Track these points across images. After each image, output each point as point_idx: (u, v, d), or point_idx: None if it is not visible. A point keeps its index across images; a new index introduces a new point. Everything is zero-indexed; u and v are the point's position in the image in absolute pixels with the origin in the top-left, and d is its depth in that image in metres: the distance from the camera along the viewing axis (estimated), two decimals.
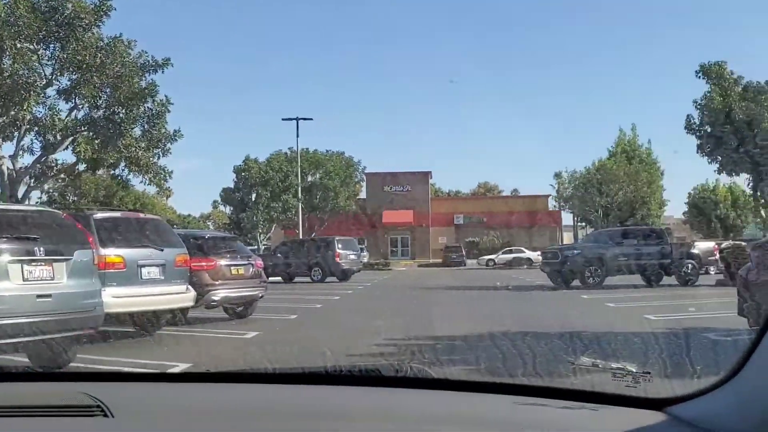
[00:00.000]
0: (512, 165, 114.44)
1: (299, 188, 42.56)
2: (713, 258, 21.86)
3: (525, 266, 46.41)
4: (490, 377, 2.26)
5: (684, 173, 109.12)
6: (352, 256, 29.75)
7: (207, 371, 2.27)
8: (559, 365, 2.84)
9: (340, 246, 28.92)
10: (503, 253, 52.06)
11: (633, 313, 12.95)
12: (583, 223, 74.80)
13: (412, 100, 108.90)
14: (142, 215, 12.24)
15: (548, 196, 64.84)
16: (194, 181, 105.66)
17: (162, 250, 10.05)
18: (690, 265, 21.17)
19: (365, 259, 54.07)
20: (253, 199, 41.94)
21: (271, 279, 30.68)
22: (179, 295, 10.26)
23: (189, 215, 73.20)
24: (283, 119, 42.75)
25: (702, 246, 22.23)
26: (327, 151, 49.66)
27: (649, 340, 7.47)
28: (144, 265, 9.73)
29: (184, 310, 10.75)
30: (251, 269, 13.07)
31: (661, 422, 1.51)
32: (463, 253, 53.88)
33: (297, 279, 28.85)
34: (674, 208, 64.96)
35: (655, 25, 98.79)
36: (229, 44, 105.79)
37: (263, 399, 1.89)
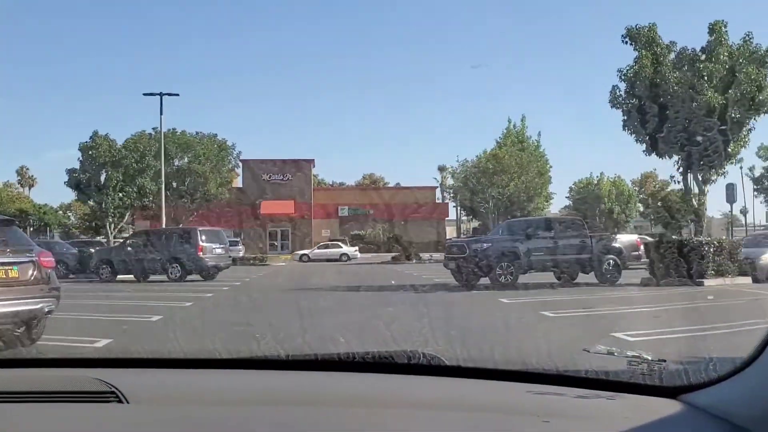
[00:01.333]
0: (398, 158, 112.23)
1: (163, 171, 36.87)
2: (636, 253, 19.15)
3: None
4: (503, 365, 2.05)
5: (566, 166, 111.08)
6: (219, 250, 24.90)
7: (221, 357, 2.26)
8: (574, 353, 2.22)
9: (203, 238, 24.04)
10: (318, 248, 49.87)
11: (596, 329, 9.52)
12: (470, 217, 73.45)
13: (294, 86, 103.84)
14: None
15: (435, 187, 62.59)
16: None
17: None
18: (611, 261, 18.37)
19: (241, 254, 49.18)
20: (103, 182, 35.69)
21: (121, 277, 26.07)
22: None
23: (46, 204, 64.84)
24: (144, 94, 36.95)
25: (624, 239, 19.50)
26: (197, 132, 44.08)
27: None
28: None
29: None
30: (31, 271, 8.35)
31: (678, 410, 1.52)
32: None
33: (154, 277, 23.79)
34: (555, 203, 64.64)
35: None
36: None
37: (277, 385, 1.92)
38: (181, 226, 35.07)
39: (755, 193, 63.38)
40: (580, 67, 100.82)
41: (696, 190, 18.50)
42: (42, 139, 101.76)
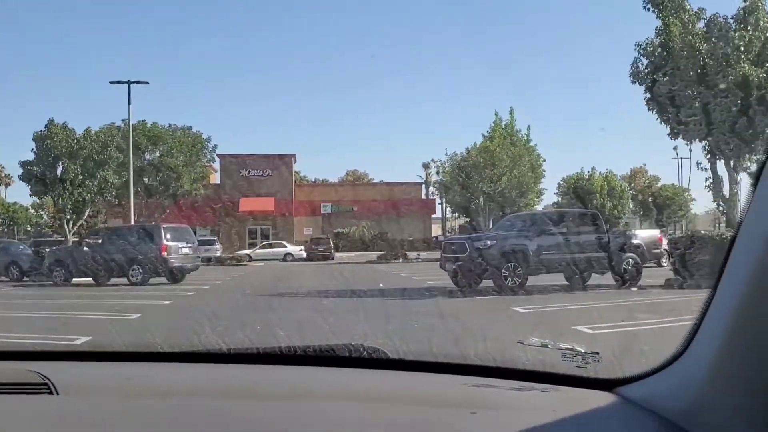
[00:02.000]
0: (382, 155, 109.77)
1: (130, 164, 34.10)
2: (657, 251, 16.86)
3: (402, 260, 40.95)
4: (443, 358, 2.02)
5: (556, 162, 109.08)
6: (186, 250, 22.29)
7: (160, 351, 2.22)
8: (511, 346, 2.27)
9: (167, 236, 21.44)
10: (261, 247, 47.68)
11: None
12: (456, 214, 71.27)
13: (275, 79, 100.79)
14: None
15: (421, 183, 60.18)
16: None
17: None
18: (631, 259, 16.09)
19: (218, 253, 46.56)
20: (59, 176, 32.80)
21: (78, 280, 23.35)
22: None
23: (15, 203, 61.91)
24: (111, 82, 34.14)
25: (644, 235, 17.22)
26: (170, 125, 41.29)
27: None
28: None
29: None
30: None
31: (610, 403, 1.53)
32: (332, 245, 47.52)
33: (116, 280, 21.21)
34: (545, 199, 62.53)
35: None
36: None
37: (216, 378, 1.88)
38: (143, 222, 32.32)
39: None
40: (568, 59, 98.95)
41: (726, 178, 16.23)
42: (17, 138, 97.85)
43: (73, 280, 22.10)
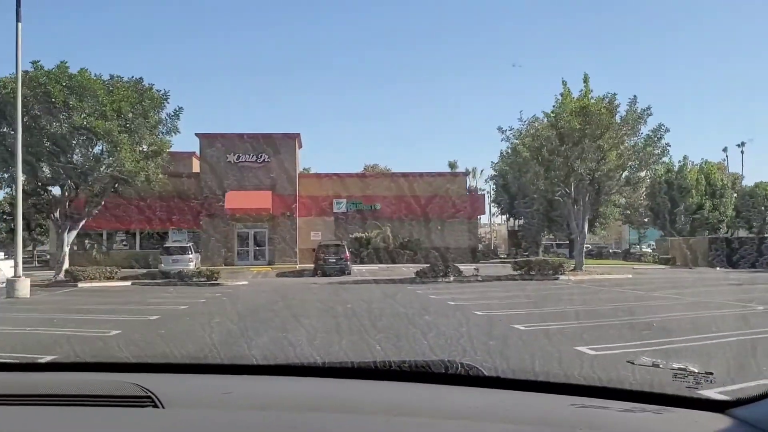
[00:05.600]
0: (407, 149, 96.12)
1: (18, 123, 20.68)
2: None
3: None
4: (544, 376, 1.92)
5: None
6: None
7: (256, 363, 2.26)
8: (618, 365, 2.52)
9: None
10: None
11: None
12: (506, 216, 57.19)
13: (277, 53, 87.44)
14: None
15: (467, 173, 46.06)
16: None
17: None
18: None
19: (191, 265, 33.08)
20: None
21: None
22: None
23: None
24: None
25: None
26: (113, 76, 27.63)
27: None
28: None
29: None
30: None
31: (725, 425, 1.48)
32: (347, 255, 33.84)
33: None
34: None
35: None
36: None
37: (312, 392, 1.88)
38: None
39: None
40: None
41: None
42: None
43: None
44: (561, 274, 27.99)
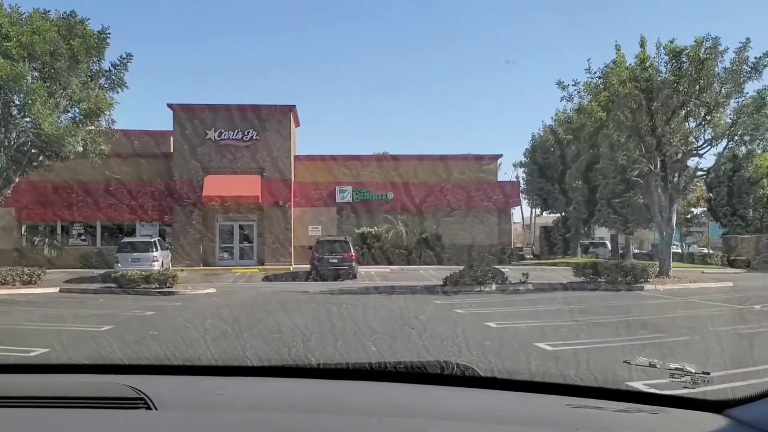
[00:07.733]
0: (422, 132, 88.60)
1: None
2: None
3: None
4: (540, 377, 1.91)
5: None
6: None
7: (250, 365, 2.22)
8: (614, 365, 2.32)
9: None
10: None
11: None
12: (540, 209, 49.36)
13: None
14: None
15: (498, 157, 38.29)
16: None
17: None
18: None
19: (155, 266, 25.65)
20: None
21: None
22: None
23: None
24: None
25: None
26: (39, 10, 20.11)
27: None
28: None
29: None
30: None
31: (722, 426, 1.46)
32: (353, 254, 26.36)
33: None
34: None
35: None
36: None
37: (306, 393, 1.84)
38: None
39: None
40: None
41: None
42: None
43: None
44: (644, 282, 20.45)
